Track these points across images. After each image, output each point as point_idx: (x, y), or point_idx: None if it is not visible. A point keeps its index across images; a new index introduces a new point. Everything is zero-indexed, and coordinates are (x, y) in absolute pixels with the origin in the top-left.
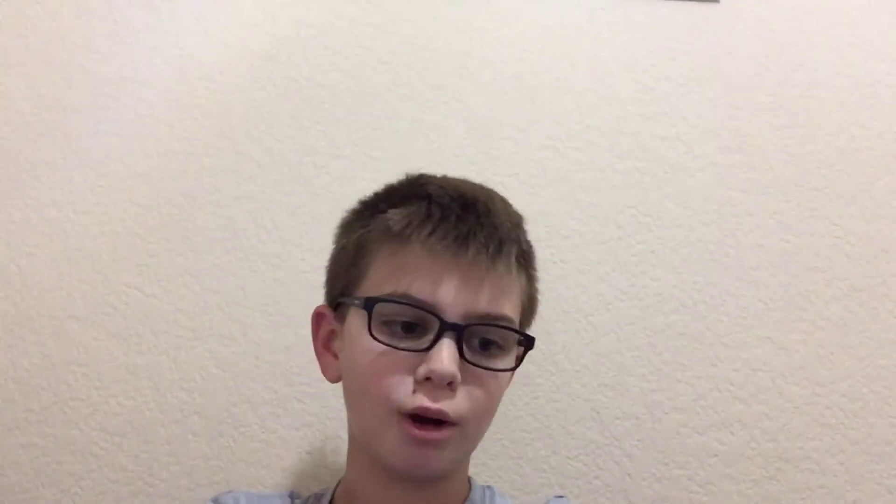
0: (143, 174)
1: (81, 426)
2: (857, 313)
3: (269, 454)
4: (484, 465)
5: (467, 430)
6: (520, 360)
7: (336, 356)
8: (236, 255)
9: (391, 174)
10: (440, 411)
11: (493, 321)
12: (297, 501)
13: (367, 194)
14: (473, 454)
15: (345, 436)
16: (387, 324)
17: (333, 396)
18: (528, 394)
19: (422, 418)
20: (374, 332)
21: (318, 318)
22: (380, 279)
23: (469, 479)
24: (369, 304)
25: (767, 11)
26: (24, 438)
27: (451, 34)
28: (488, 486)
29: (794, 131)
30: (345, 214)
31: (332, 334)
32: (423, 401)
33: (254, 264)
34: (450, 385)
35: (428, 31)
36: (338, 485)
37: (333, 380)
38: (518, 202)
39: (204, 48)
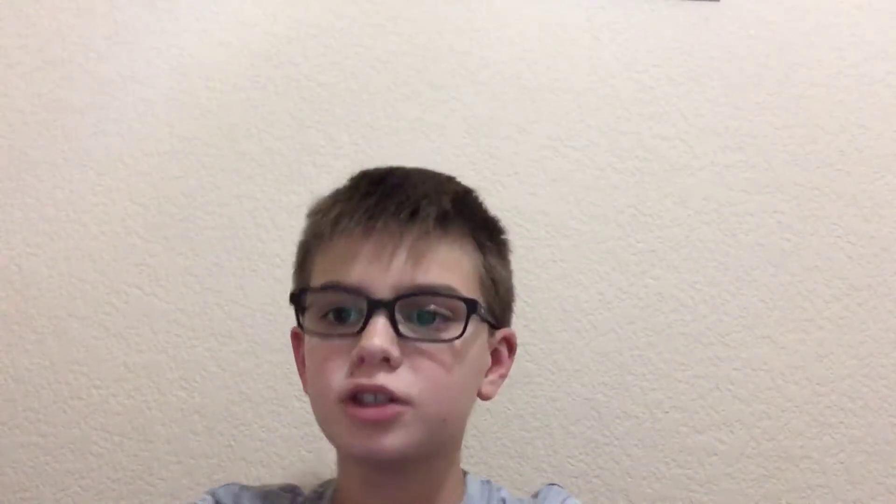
0: (143, 174)
1: (81, 425)
2: (857, 313)
3: (268, 453)
4: (484, 463)
5: (422, 408)
6: (464, 328)
7: None
8: (236, 255)
9: None
10: (380, 387)
11: (425, 290)
12: (298, 499)
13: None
14: (473, 454)
15: None
16: (324, 317)
17: None
18: (528, 393)
19: (367, 400)
20: (306, 325)
21: (294, 338)
22: (319, 276)
23: (464, 474)
24: (294, 298)
25: (767, 11)
26: (24, 437)
27: (451, 34)
28: (486, 480)
29: (794, 131)
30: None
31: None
32: (358, 379)
33: (254, 264)
34: (387, 362)
35: (428, 31)
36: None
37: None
38: (518, 202)
39: (204, 48)
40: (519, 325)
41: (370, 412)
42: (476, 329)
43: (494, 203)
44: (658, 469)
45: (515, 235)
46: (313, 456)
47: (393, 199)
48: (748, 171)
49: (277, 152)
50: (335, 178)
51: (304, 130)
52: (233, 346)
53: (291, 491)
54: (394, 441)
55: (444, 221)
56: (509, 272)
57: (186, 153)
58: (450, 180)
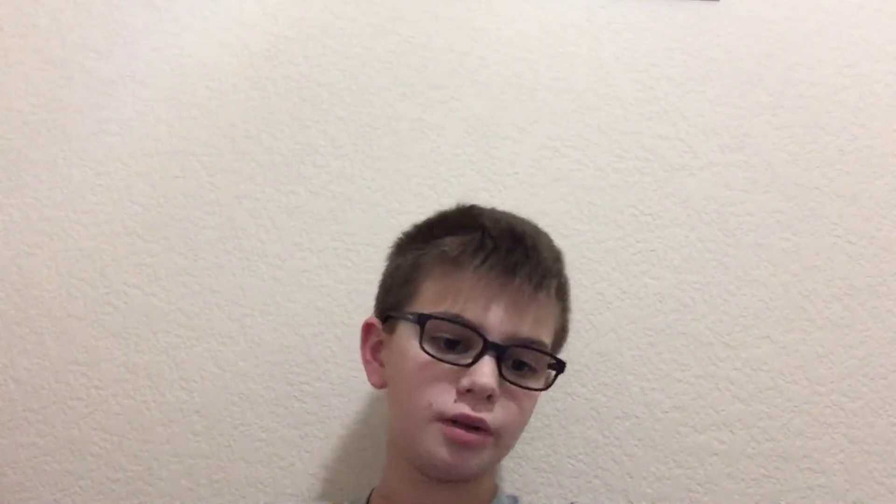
0: (142, 174)
1: (81, 425)
2: (857, 312)
3: (268, 453)
4: None
5: (501, 440)
6: (550, 382)
7: (382, 364)
8: (236, 255)
9: (391, 173)
10: (481, 419)
11: (530, 345)
12: None
13: (421, 221)
14: None
15: (344, 433)
16: (434, 339)
17: (333, 395)
18: None
19: (462, 425)
20: (424, 345)
21: (367, 328)
22: (432, 298)
23: (496, 486)
24: (422, 320)
25: (767, 11)
26: (23, 438)
27: (450, 34)
28: (513, 497)
29: (794, 131)
30: (400, 236)
31: (380, 344)
32: (464, 409)
33: (253, 264)
34: (489, 398)
35: (428, 30)
36: (371, 493)
37: (378, 386)
38: (518, 202)
39: (204, 48)
40: None
41: (471, 437)
42: (549, 378)
43: (494, 203)
44: (658, 469)
45: None
46: (313, 456)
47: (529, 263)
48: (748, 171)
49: (277, 152)
50: (335, 177)
51: (304, 130)
52: (232, 346)
53: None
54: (477, 462)
55: (559, 290)
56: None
57: (186, 153)
58: (559, 251)
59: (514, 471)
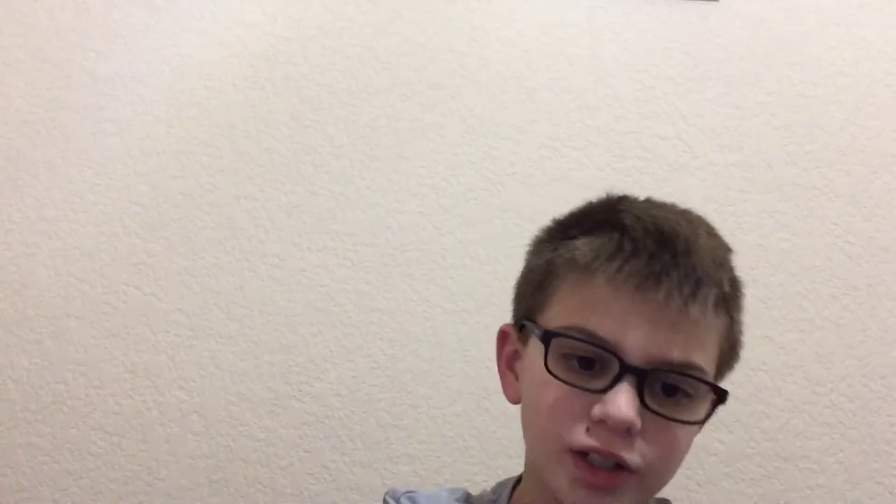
0: (142, 174)
1: (80, 425)
2: (856, 312)
3: (267, 453)
4: (483, 464)
5: (646, 479)
6: (709, 414)
7: (517, 377)
8: (235, 255)
9: (391, 173)
10: (615, 456)
11: (679, 369)
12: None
13: (564, 213)
14: (474, 454)
15: (343, 433)
16: (565, 356)
17: (333, 395)
18: None
19: (596, 460)
20: (550, 367)
21: (502, 336)
22: (563, 309)
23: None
24: (547, 338)
25: (767, 11)
26: (22, 438)
27: (450, 34)
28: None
29: (794, 131)
30: (538, 233)
31: (515, 354)
32: (596, 443)
33: (252, 263)
34: (627, 432)
35: (428, 30)
36: (512, 490)
37: (514, 400)
38: (518, 202)
39: (203, 48)
40: None
41: (601, 478)
42: (708, 409)
43: (495, 203)
44: None
45: (515, 235)
46: (312, 456)
47: (678, 270)
48: (747, 170)
49: (276, 152)
50: (334, 177)
51: (304, 130)
52: (231, 346)
53: (465, 499)
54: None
55: (718, 303)
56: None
57: (185, 153)
58: (728, 251)
59: (515, 471)
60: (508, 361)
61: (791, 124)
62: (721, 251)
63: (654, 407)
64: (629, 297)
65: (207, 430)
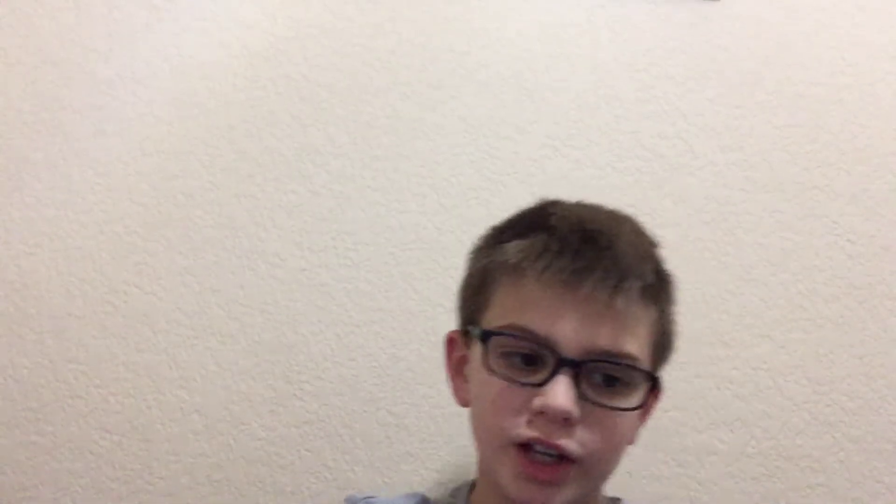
0: (142, 173)
1: (81, 424)
2: (857, 312)
3: (268, 452)
4: None
5: (589, 469)
6: (644, 402)
7: (466, 381)
8: (236, 254)
9: (391, 174)
10: (556, 446)
11: (612, 358)
12: None
13: (500, 220)
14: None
15: (344, 432)
16: (507, 355)
17: (333, 395)
18: None
19: (538, 452)
20: (491, 365)
21: (449, 343)
22: (500, 310)
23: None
24: (485, 337)
25: (767, 11)
26: (23, 437)
27: (450, 34)
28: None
29: (794, 130)
30: (476, 240)
31: (463, 359)
32: (537, 433)
33: (253, 263)
34: (566, 421)
35: (428, 30)
36: (470, 493)
37: (463, 404)
38: (518, 202)
39: (204, 48)
40: None
41: (545, 472)
42: (645, 394)
43: (495, 203)
44: (658, 468)
45: None
46: (313, 455)
47: (602, 265)
48: (748, 170)
49: (277, 152)
50: (335, 176)
51: (304, 130)
52: (232, 345)
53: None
54: (560, 497)
55: (644, 293)
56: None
57: (186, 153)
58: (652, 245)
59: None
60: (457, 367)
61: (791, 124)
62: (645, 245)
63: (591, 396)
64: (558, 293)
65: (208, 429)
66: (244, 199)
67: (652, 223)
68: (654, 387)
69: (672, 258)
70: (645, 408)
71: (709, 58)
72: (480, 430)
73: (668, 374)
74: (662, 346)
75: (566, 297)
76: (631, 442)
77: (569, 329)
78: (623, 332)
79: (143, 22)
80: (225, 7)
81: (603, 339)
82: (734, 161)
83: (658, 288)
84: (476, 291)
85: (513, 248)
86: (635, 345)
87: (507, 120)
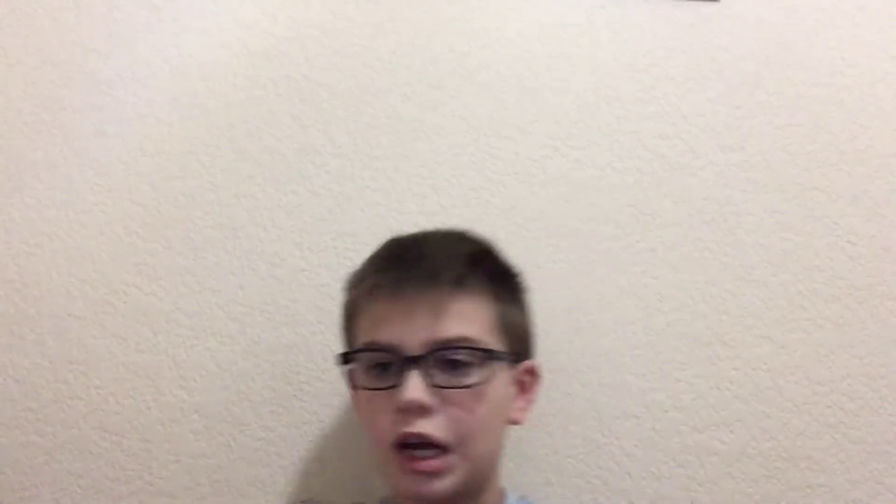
0: (142, 174)
1: (80, 425)
2: (857, 313)
3: (268, 453)
4: None
5: (465, 451)
6: (488, 374)
7: None
8: (236, 254)
9: (391, 174)
10: (420, 434)
11: (450, 344)
12: None
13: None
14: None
15: (344, 433)
16: (368, 370)
17: (333, 395)
18: None
19: (415, 446)
20: (357, 383)
21: (349, 377)
22: (359, 334)
23: (503, 491)
24: (341, 360)
25: (767, 11)
26: (23, 437)
27: (450, 34)
28: (524, 498)
29: (794, 131)
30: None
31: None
32: (404, 428)
33: (253, 263)
34: (423, 410)
35: (428, 30)
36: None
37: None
38: (518, 202)
39: (204, 48)
40: None
41: (425, 465)
42: (497, 369)
43: (494, 203)
44: (658, 469)
45: (515, 235)
46: (312, 456)
47: (416, 267)
48: (748, 171)
49: (277, 152)
50: (335, 177)
51: (304, 130)
52: (232, 346)
53: None
54: (444, 485)
55: (459, 282)
56: (526, 313)
57: (186, 153)
58: (462, 239)
59: (515, 471)
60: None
61: (792, 124)
62: (454, 247)
63: (441, 382)
64: (388, 304)
65: (208, 429)
66: (244, 199)
67: (652, 223)
68: (491, 360)
69: (672, 258)
70: (523, 386)
71: (709, 58)
72: (371, 443)
73: (669, 374)
74: (511, 328)
75: (395, 306)
76: (515, 421)
77: (406, 331)
78: (452, 321)
79: (143, 22)
80: (225, 7)
81: (437, 331)
82: (734, 161)
83: (479, 276)
84: (345, 327)
85: (350, 284)
86: (469, 328)
87: (507, 120)
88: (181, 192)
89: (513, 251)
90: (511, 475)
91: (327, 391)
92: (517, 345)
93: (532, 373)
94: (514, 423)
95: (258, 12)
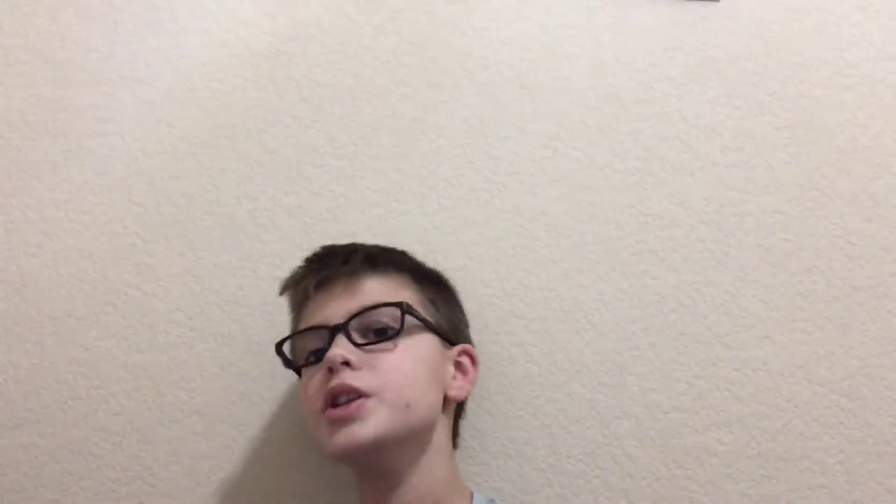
0: (143, 174)
1: (81, 426)
2: (857, 313)
3: (269, 453)
4: (484, 464)
5: (384, 395)
6: (401, 325)
7: None
8: (236, 255)
9: (391, 174)
10: (344, 384)
11: (364, 309)
12: None
13: None
14: (474, 454)
15: None
16: (311, 355)
17: None
18: (528, 394)
19: (340, 403)
20: (294, 366)
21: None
22: (298, 326)
23: (471, 495)
24: (277, 348)
25: (767, 11)
26: (23, 438)
27: (450, 34)
28: (492, 501)
29: (794, 131)
30: None
31: None
32: (328, 385)
33: (253, 264)
34: (346, 365)
35: (428, 30)
36: None
37: None
38: (518, 202)
39: (204, 48)
40: (519, 324)
41: (338, 410)
42: (424, 335)
43: (494, 203)
44: (658, 470)
45: (515, 235)
46: (312, 455)
47: (328, 260)
48: (748, 170)
49: (277, 152)
50: (335, 177)
51: (304, 130)
52: (233, 346)
53: None
54: (365, 429)
55: (372, 261)
56: (453, 306)
57: (186, 153)
58: (374, 248)
59: (515, 471)
60: None
61: (792, 124)
62: (362, 245)
63: (361, 341)
64: (312, 293)
65: (208, 430)
66: (244, 199)
67: (652, 223)
68: (403, 312)
69: (672, 258)
70: (461, 367)
71: (709, 58)
72: (307, 421)
73: (669, 375)
74: (436, 308)
75: (320, 295)
76: (454, 397)
77: (329, 310)
78: (369, 292)
79: (144, 22)
80: (225, 7)
81: (354, 302)
82: (734, 162)
83: (386, 255)
84: (293, 330)
85: (288, 289)
86: (381, 296)
87: (507, 120)
88: (181, 192)
89: (513, 251)
90: (510, 475)
91: None
92: (445, 324)
93: (469, 355)
94: (453, 400)
95: (258, 12)
